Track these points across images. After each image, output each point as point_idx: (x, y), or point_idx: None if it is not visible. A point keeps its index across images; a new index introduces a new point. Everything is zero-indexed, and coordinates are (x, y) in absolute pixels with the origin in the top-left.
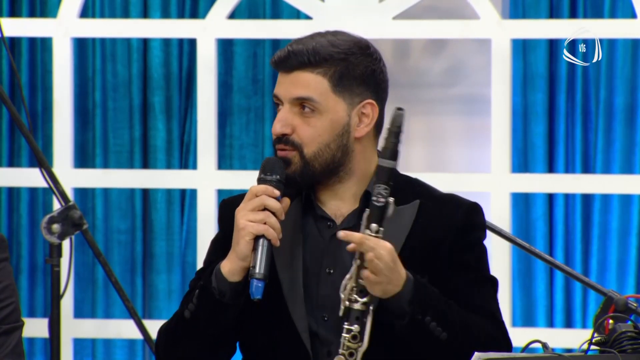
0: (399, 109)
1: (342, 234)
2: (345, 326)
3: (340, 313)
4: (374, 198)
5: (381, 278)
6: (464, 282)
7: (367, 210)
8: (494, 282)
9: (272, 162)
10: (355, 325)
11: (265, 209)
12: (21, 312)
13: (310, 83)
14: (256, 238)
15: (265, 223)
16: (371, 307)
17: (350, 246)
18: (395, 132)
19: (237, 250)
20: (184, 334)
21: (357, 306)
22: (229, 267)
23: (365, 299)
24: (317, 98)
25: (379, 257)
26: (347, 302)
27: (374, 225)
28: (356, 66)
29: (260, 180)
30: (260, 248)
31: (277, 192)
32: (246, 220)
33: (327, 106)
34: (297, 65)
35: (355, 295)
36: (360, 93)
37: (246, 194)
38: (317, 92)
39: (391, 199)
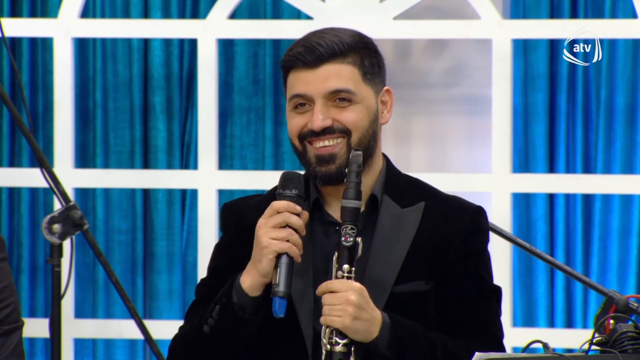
0: (356, 149)
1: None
2: None
3: (322, 358)
4: (342, 239)
5: (353, 323)
6: (467, 292)
7: (336, 253)
8: (497, 293)
9: (290, 176)
10: None
11: (287, 225)
12: (21, 312)
13: (343, 74)
14: (278, 255)
15: (287, 240)
16: (352, 348)
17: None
18: (356, 172)
19: (259, 268)
20: (202, 347)
21: (338, 348)
22: (250, 283)
23: (345, 340)
24: (354, 88)
25: (349, 301)
26: (328, 346)
27: (345, 266)
28: (373, 55)
29: (279, 196)
30: (282, 266)
31: (298, 209)
32: (269, 238)
33: (362, 95)
34: (327, 57)
35: (336, 338)
36: (380, 81)
37: (267, 209)
38: (352, 82)
39: (359, 239)
